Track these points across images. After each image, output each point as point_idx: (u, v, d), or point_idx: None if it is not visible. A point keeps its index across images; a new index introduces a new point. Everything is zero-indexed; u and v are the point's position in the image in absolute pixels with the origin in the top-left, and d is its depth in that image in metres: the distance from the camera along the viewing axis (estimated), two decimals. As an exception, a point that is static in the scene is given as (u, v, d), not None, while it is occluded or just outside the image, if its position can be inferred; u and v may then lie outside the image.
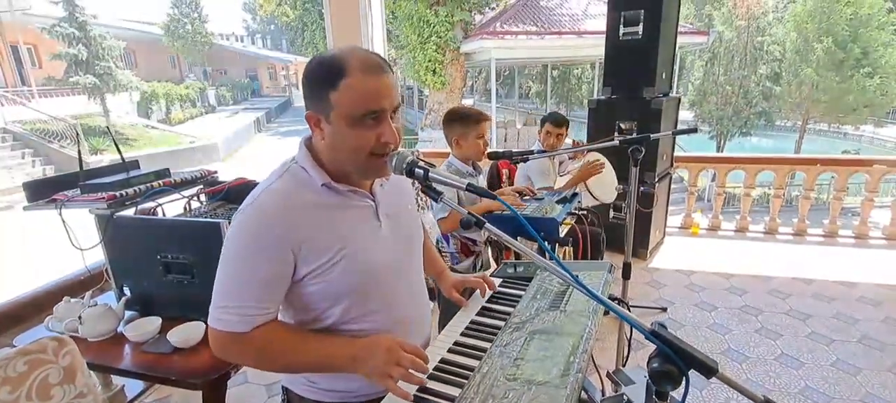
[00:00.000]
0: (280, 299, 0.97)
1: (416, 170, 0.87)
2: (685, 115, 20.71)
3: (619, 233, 3.58)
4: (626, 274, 1.90)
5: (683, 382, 0.75)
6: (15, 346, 1.54)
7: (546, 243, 1.87)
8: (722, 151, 16.24)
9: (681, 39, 12.37)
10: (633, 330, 1.37)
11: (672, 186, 4.50)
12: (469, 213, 0.84)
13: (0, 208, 9.72)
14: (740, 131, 16.84)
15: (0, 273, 6.04)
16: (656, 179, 3.78)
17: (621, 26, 3.61)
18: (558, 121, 2.86)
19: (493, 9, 15.02)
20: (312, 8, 21.57)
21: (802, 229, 4.49)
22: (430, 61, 13.51)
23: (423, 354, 0.96)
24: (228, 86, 29.03)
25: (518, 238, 1.34)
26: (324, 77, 0.89)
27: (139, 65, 24.16)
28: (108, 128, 12.54)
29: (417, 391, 0.94)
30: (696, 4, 22.61)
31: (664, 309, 3.20)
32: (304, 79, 0.93)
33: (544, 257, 0.89)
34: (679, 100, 4.11)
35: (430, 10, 13.05)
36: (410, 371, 0.91)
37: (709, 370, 0.73)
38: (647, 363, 0.77)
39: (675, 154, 4.43)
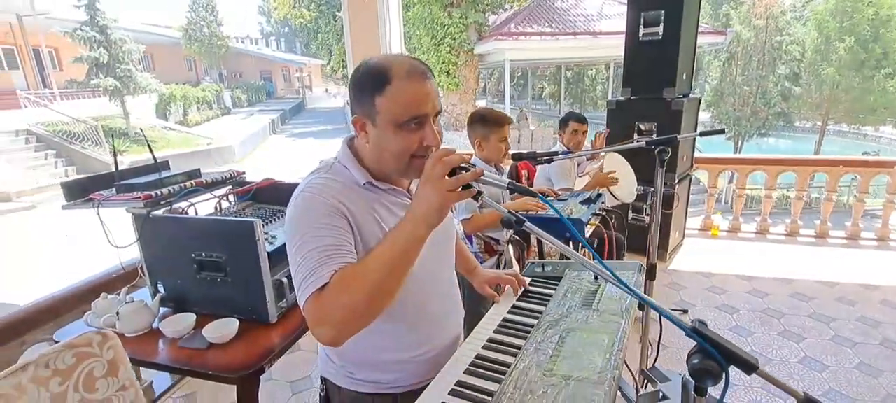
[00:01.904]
0: (352, 252, 0.92)
1: (461, 170, 0.89)
2: (702, 116, 20.43)
3: (638, 235, 3.58)
4: (651, 275, 1.91)
5: (723, 378, 0.76)
6: (56, 340, 1.60)
7: (572, 243, 1.88)
8: (739, 152, 16.02)
9: (698, 39, 12.28)
10: (661, 333, 1.38)
11: (691, 188, 4.46)
12: (509, 212, 0.86)
13: (24, 208, 9.97)
14: (758, 132, 16.60)
15: (25, 272, 6.20)
16: (676, 180, 3.76)
17: (641, 26, 3.60)
18: (581, 119, 2.90)
19: (507, 10, 15.01)
20: (327, 10, 21.73)
21: (824, 231, 4.42)
22: (443, 63, 13.53)
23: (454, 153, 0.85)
24: (243, 88, 29.41)
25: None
26: (371, 83, 0.91)
27: (157, 68, 24.60)
28: (140, 130, 12.74)
29: (455, 385, 0.97)
30: (713, 4, 22.33)
31: (685, 311, 3.18)
32: (352, 85, 0.95)
33: (583, 255, 0.90)
34: (699, 100, 4.08)
35: (444, 12, 13.08)
36: (449, 164, 0.82)
37: (749, 366, 0.74)
38: (687, 359, 0.78)
39: (694, 155, 4.40)
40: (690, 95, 3.87)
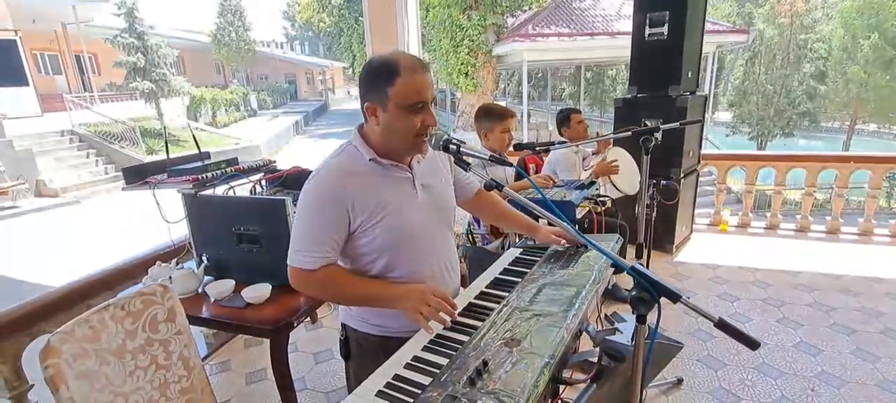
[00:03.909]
0: (339, 247, 1.22)
1: (451, 145, 1.11)
2: (724, 116, 20.09)
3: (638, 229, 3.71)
4: (639, 254, 2.08)
5: (656, 309, 0.96)
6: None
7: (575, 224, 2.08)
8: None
9: (719, 38, 12.22)
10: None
11: (704, 186, 4.53)
12: (491, 178, 1.08)
13: (70, 203, 10.63)
14: (782, 132, 16.26)
15: (77, 263, 6.69)
16: (682, 175, 3.88)
17: (647, 27, 3.75)
18: (579, 110, 3.16)
19: (526, 11, 15.13)
20: (348, 15, 22.27)
21: (836, 228, 4.45)
22: (462, 65, 13.73)
23: (451, 301, 1.18)
24: (268, 90, 30.28)
25: (540, 220, 1.57)
26: (384, 74, 1.13)
27: (187, 71, 25.57)
28: (188, 125, 13.46)
29: (451, 322, 1.19)
30: (738, 2, 21.95)
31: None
32: (365, 77, 1.17)
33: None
34: (706, 98, 4.19)
35: (462, 14, 13.28)
36: (438, 311, 1.14)
37: (675, 296, 0.94)
38: (629, 293, 0.98)
39: (706, 151, 4.50)
40: (697, 93, 3.99)
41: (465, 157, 1.13)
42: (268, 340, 1.82)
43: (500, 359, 0.97)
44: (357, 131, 1.27)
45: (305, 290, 1.28)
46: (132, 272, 2.15)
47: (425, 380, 0.96)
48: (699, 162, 4.34)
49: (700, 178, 4.49)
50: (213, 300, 1.88)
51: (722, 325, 0.93)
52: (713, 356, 2.65)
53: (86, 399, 1.25)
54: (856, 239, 4.36)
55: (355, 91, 39.20)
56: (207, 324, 1.86)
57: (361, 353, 1.36)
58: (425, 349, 1.09)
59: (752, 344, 0.91)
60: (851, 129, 15.30)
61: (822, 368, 2.54)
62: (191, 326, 1.62)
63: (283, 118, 24.95)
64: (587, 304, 1.21)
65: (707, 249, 4.24)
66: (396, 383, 0.97)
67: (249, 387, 2.63)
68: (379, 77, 1.14)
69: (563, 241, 1.55)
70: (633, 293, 0.97)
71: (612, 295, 3.27)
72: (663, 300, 0.96)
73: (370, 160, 1.21)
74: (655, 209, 2.76)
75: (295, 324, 1.75)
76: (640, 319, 0.99)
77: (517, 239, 2.44)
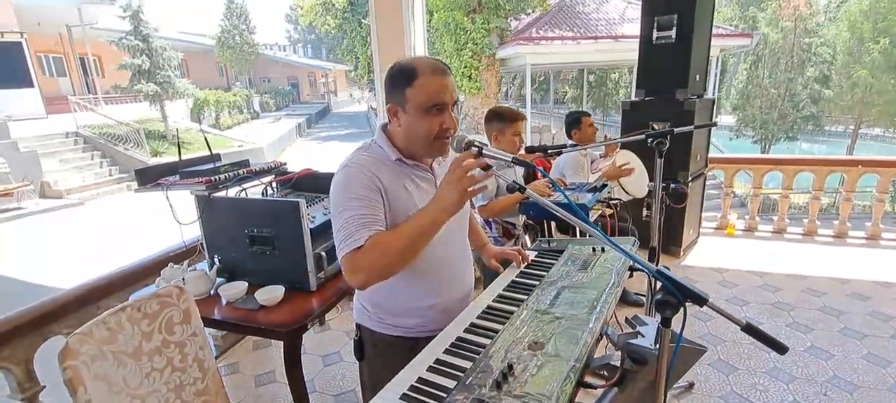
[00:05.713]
0: (383, 222, 1.14)
1: (473, 147, 1.11)
2: (728, 119, 20.06)
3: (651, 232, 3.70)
4: (652, 257, 2.08)
5: (682, 312, 0.95)
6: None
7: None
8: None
9: (723, 42, 12.22)
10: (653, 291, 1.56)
11: (711, 189, 4.53)
12: (513, 181, 1.07)
13: (74, 205, 10.66)
14: (786, 135, 16.24)
15: (81, 265, 6.70)
16: (690, 178, 3.87)
17: (655, 30, 3.74)
18: (589, 113, 3.17)
19: (529, 15, 15.16)
20: (352, 18, 22.24)
21: (843, 232, 4.44)
22: (466, 67, 13.77)
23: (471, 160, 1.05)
24: (271, 93, 30.35)
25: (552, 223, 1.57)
26: (402, 77, 1.14)
27: (191, 73, 25.63)
28: (201, 130, 13.48)
29: (470, 325, 1.18)
30: (741, 6, 21.93)
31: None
32: (387, 80, 1.19)
33: (580, 232, 1.11)
34: (713, 101, 4.18)
35: (466, 17, 13.33)
36: (467, 168, 1.03)
37: (701, 300, 0.93)
38: (653, 296, 0.97)
39: (712, 155, 4.49)
40: (704, 96, 3.99)
41: (486, 159, 1.12)
42: (277, 342, 1.82)
43: (525, 363, 0.97)
44: (381, 130, 1.27)
45: (359, 270, 1.10)
46: (144, 273, 2.15)
47: (450, 384, 0.95)
48: (706, 165, 4.33)
49: (706, 182, 4.48)
50: (225, 302, 1.87)
51: (749, 329, 0.93)
52: (724, 360, 2.63)
53: (103, 402, 1.25)
54: (863, 243, 4.35)
55: (357, 93, 39.39)
56: (220, 326, 1.86)
57: (376, 354, 1.35)
58: (447, 352, 1.08)
59: (780, 349, 0.91)
60: (856, 133, 15.26)
61: (833, 372, 2.53)
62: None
63: (286, 120, 24.98)
64: (608, 307, 1.21)
65: (714, 253, 4.23)
66: (420, 386, 0.97)
67: (259, 390, 2.63)
68: (399, 79, 1.15)
69: (502, 270, 1.53)
70: (658, 296, 0.96)
71: (621, 298, 3.26)
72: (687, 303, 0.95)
73: (396, 160, 1.22)
74: (663, 212, 2.76)
75: (308, 326, 1.75)
76: (665, 323, 0.98)
77: (530, 243, 2.44)
